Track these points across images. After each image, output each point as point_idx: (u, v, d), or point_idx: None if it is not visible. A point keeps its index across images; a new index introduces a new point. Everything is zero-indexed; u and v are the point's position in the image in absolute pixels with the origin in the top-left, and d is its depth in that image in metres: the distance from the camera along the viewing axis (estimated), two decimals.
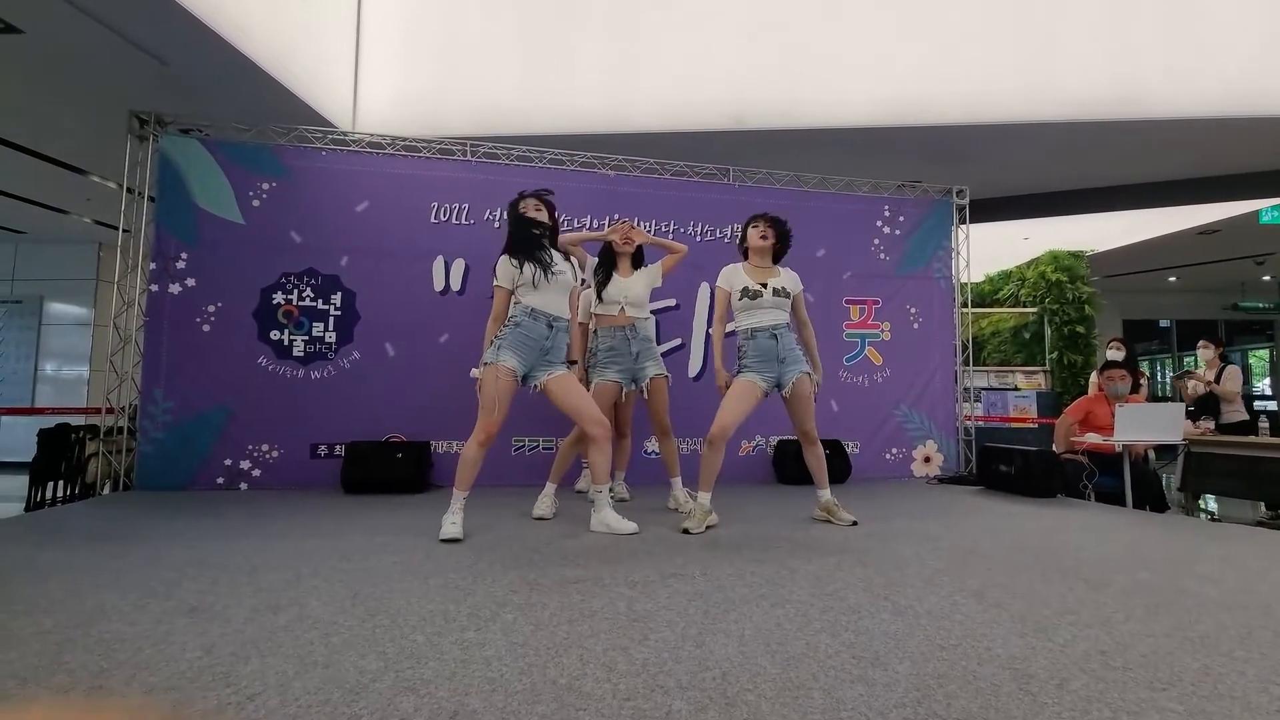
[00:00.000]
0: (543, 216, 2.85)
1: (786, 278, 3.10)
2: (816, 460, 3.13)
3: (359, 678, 1.32)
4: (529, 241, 2.80)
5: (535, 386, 2.80)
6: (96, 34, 3.87)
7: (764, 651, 1.48)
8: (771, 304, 3.02)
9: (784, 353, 3.00)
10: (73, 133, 5.30)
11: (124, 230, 4.10)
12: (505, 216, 2.98)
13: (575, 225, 4.65)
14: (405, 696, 1.24)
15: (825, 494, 3.14)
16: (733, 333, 3.18)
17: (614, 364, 3.32)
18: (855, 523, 3.05)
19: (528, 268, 2.75)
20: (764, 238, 3.09)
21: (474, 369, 2.81)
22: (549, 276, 2.76)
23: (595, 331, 3.49)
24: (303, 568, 2.18)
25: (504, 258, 2.80)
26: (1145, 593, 2.00)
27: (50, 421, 4.22)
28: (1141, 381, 5.20)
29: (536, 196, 2.89)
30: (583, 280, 3.26)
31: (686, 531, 2.83)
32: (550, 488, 3.22)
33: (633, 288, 3.40)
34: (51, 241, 8.29)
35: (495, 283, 2.79)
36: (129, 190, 4.08)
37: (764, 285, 3.02)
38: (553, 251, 2.85)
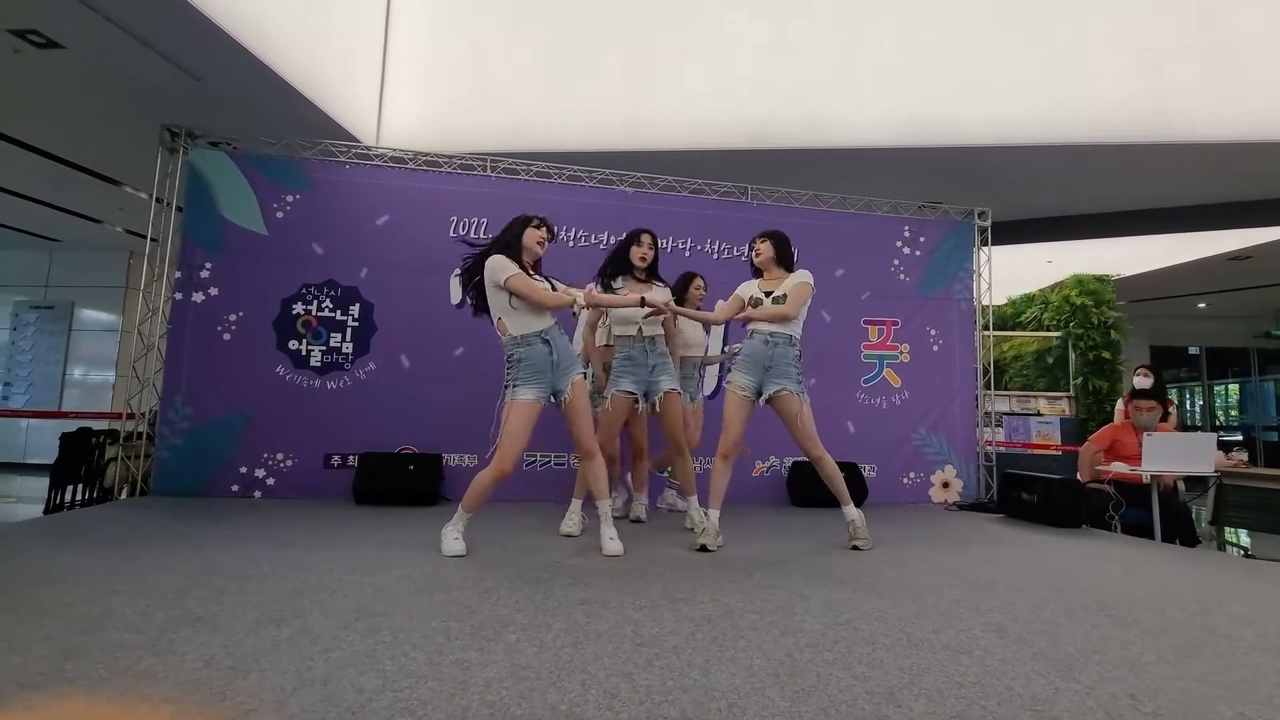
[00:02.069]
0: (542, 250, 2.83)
1: (786, 282, 3.04)
2: (828, 478, 3.04)
3: (356, 696, 1.30)
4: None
5: (565, 400, 2.76)
6: (133, 50, 3.99)
7: (773, 683, 1.43)
8: (769, 314, 3.02)
9: (771, 362, 2.98)
10: (107, 144, 5.46)
11: (151, 239, 4.19)
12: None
13: (592, 241, 4.67)
14: (402, 718, 1.21)
15: (848, 511, 3.06)
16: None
17: (629, 374, 3.27)
18: (870, 546, 3.01)
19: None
20: (759, 254, 3.13)
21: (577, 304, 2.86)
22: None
23: (617, 345, 3.43)
24: (309, 579, 2.17)
25: (502, 258, 2.71)
26: (1176, 632, 1.91)
27: (73, 426, 4.30)
28: (1170, 410, 5.05)
29: (541, 226, 2.83)
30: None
31: (704, 549, 2.81)
32: (576, 504, 3.24)
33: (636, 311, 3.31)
34: (84, 249, 8.53)
35: (509, 278, 2.65)
36: (158, 200, 4.18)
37: (767, 294, 3.05)
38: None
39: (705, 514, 2.98)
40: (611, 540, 2.75)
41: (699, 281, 3.82)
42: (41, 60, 4.15)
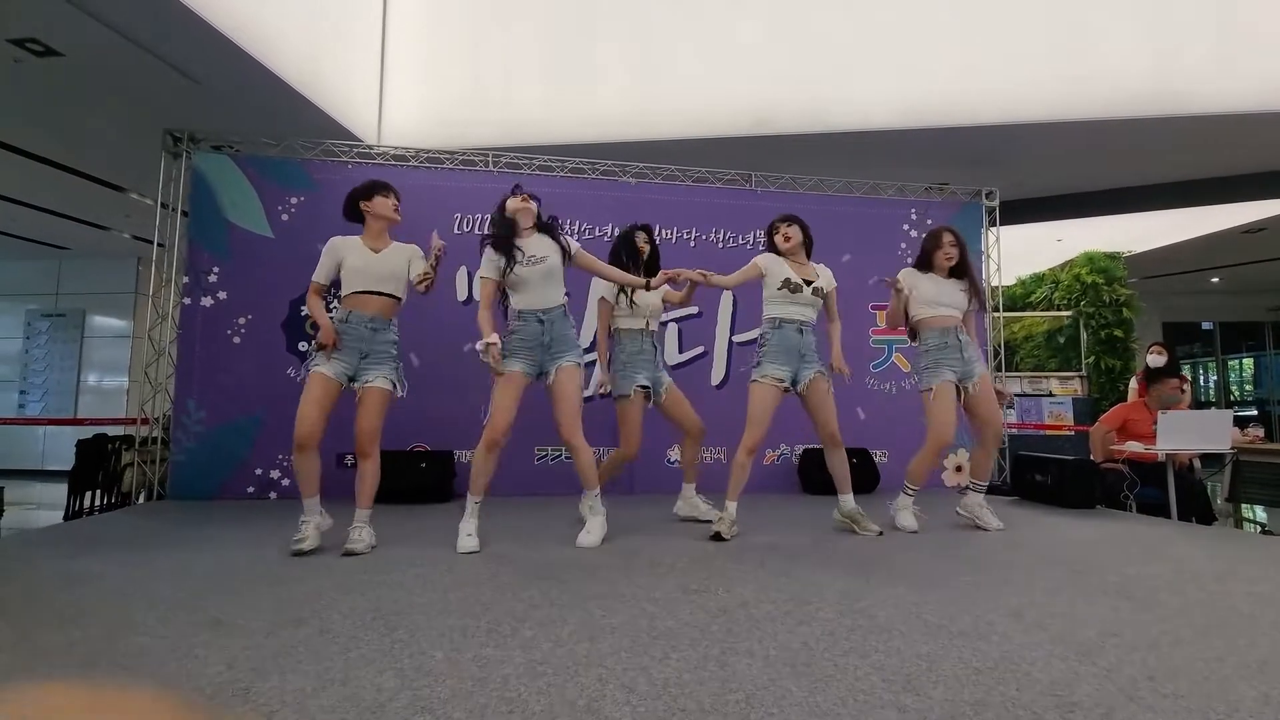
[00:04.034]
0: (529, 210, 2.80)
1: (824, 277, 3.10)
2: (840, 465, 3.07)
3: (376, 695, 1.31)
4: (500, 232, 2.78)
5: (548, 382, 2.77)
6: (132, 55, 3.98)
7: (790, 673, 1.43)
8: (809, 301, 3.03)
9: (805, 349, 3.01)
10: (112, 151, 5.48)
11: (158, 245, 4.22)
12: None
13: (597, 233, 4.65)
14: (421, 717, 1.22)
15: (848, 501, 3.07)
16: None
17: (641, 369, 3.25)
18: (881, 533, 3.01)
19: (504, 261, 2.73)
20: (787, 239, 3.08)
21: (478, 343, 2.73)
22: (513, 267, 2.71)
23: (618, 340, 3.38)
24: (325, 580, 2.18)
25: (487, 249, 2.79)
26: (1195, 612, 1.89)
27: (89, 432, 4.35)
28: (1185, 387, 4.99)
29: (520, 194, 2.85)
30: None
31: (719, 537, 2.83)
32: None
33: (655, 299, 3.33)
34: (93, 257, 8.59)
35: (479, 274, 2.79)
36: (163, 206, 4.20)
37: (806, 282, 3.02)
38: (535, 238, 2.79)
39: (724, 505, 2.99)
40: (586, 534, 2.77)
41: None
42: (42, 69, 4.16)
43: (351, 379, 2.75)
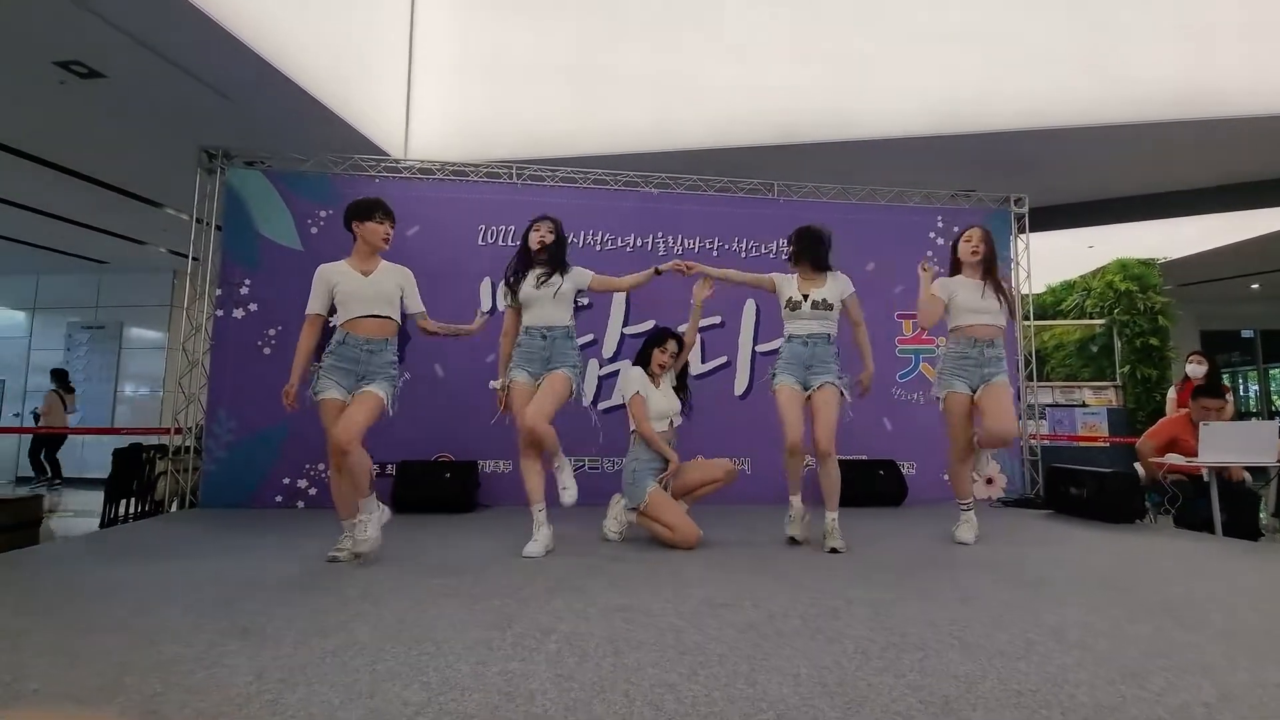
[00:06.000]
0: (548, 241, 2.95)
1: (830, 287, 3.05)
2: (828, 480, 2.96)
3: (402, 709, 1.30)
4: (516, 265, 3.03)
5: (537, 383, 2.91)
6: (171, 75, 4.11)
7: (821, 692, 1.39)
8: (809, 315, 3.03)
9: (811, 360, 3.01)
10: (149, 168, 5.65)
11: (193, 259, 4.32)
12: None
13: (619, 244, 4.66)
14: None
15: (830, 516, 2.97)
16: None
17: (651, 476, 3.16)
18: (834, 550, 2.87)
19: (517, 287, 2.98)
20: (789, 259, 3.17)
21: (492, 381, 3.08)
22: (521, 287, 2.94)
23: (634, 443, 3.24)
24: (352, 590, 2.19)
25: (501, 284, 3.09)
26: (1249, 634, 1.81)
27: (124, 441, 4.46)
28: (1226, 397, 4.81)
29: (542, 224, 3.00)
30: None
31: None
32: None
33: (674, 401, 3.26)
34: (131, 270, 8.85)
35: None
36: (198, 220, 4.31)
37: (805, 297, 3.04)
38: (549, 268, 2.94)
39: (792, 504, 3.09)
40: (532, 543, 2.80)
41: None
42: (85, 90, 4.31)
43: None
